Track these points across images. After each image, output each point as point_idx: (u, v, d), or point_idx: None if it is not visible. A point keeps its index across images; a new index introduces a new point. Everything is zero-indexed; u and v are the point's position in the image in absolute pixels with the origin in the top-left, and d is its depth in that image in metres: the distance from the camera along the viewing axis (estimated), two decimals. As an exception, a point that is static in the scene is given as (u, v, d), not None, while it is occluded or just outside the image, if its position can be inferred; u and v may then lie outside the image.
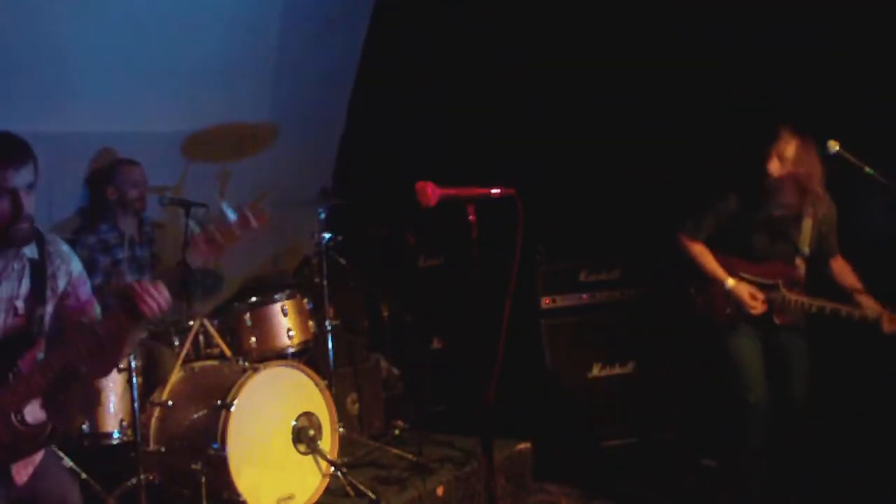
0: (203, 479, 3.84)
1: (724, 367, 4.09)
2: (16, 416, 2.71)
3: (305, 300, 4.93)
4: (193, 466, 3.87)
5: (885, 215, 4.01)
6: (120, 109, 4.99)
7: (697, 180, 5.15)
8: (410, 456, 4.73)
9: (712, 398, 4.69)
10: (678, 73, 5.16)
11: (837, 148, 3.70)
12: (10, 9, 4.19)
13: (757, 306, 4.01)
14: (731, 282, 4.06)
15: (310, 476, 4.22)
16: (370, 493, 4.22)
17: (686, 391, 5.25)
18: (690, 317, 4.27)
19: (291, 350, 4.75)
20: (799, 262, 4.08)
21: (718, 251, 4.12)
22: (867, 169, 3.66)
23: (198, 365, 4.42)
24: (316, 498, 4.21)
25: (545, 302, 5.27)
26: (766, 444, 3.98)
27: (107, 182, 4.86)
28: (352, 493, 4.28)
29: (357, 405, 5.22)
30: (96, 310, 2.97)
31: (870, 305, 3.88)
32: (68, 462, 4.04)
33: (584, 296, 5.33)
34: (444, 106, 5.98)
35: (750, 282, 4.06)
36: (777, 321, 4.04)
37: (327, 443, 4.28)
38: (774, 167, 3.93)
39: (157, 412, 4.19)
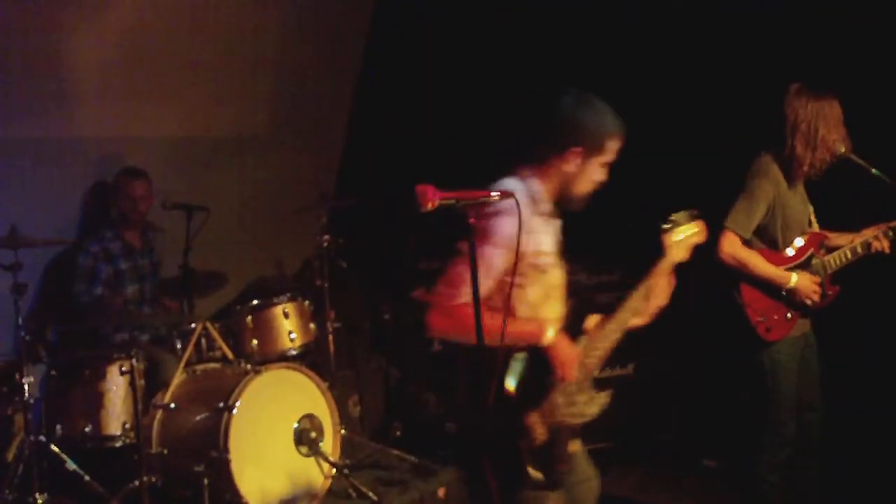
0: (205, 482, 3.85)
1: (762, 386, 3.65)
2: None
3: (307, 303, 4.95)
4: (196, 468, 3.87)
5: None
6: (122, 114, 5.00)
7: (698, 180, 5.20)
8: (412, 457, 4.75)
9: (731, 404, 4.50)
10: (680, 74, 5.17)
11: (844, 150, 3.55)
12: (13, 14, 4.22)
13: (819, 292, 3.59)
14: (794, 278, 3.57)
15: (312, 478, 4.23)
16: (372, 495, 4.24)
17: (686, 392, 5.25)
18: (731, 325, 3.71)
19: (293, 352, 4.77)
20: (812, 217, 3.75)
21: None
22: (874, 171, 3.57)
23: (200, 367, 4.43)
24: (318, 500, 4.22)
25: (545, 304, 5.25)
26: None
27: (109, 190, 4.87)
28: (354, 494, 4.29)
29: (358, 407, 5.24)
30: None
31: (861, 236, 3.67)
32: (72, 464, 4.07)
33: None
34: (446, 109, 5.99)
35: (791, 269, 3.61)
36: (828, 293, 3.64)
37: (329, 445, 4.29)
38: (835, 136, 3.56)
39: (159, 414, 4.21)
